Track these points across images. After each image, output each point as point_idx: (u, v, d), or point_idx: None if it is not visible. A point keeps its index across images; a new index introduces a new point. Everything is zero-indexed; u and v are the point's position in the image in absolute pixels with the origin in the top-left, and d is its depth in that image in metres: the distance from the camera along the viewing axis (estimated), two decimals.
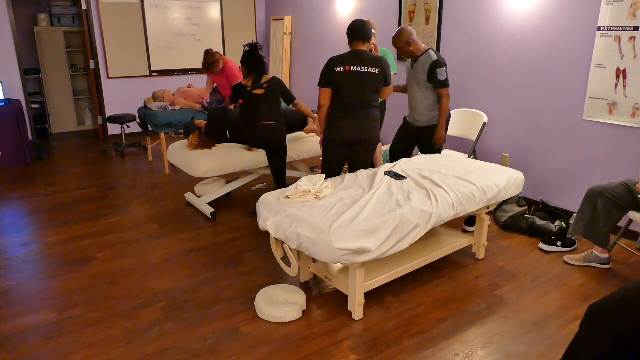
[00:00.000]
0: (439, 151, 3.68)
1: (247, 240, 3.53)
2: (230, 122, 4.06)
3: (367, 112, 3.16)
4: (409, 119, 3.72)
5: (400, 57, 4.60)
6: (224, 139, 4.11)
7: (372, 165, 3.50)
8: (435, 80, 3.40)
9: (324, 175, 2.85)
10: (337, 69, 3.07)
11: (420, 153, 3.78)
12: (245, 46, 3.65)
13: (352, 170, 3.29)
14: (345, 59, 3.08)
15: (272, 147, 3.79)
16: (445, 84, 3.41)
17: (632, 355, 1.58)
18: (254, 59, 3.63)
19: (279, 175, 3.91)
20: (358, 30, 3.09)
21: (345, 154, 3.28)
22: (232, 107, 4.11)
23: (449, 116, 3.62)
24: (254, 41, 3.72)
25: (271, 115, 3.71)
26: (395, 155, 3.79)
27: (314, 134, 4.21)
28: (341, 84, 3.08)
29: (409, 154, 3.77)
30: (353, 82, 3.07)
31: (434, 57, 3.41)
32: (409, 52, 3.48)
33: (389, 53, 3.98)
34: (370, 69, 3.07)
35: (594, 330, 1.62)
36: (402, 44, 3.45)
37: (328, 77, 3.11)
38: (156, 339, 2.37)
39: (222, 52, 7.46)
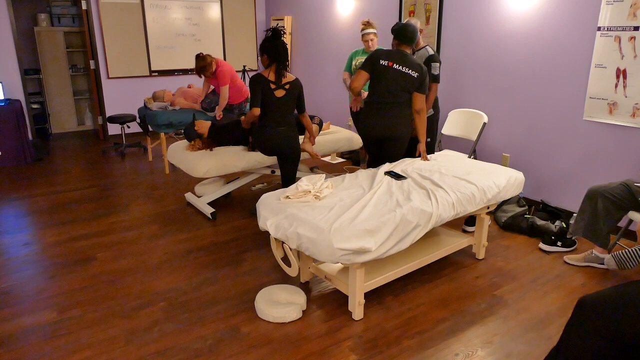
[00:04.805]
0: (431, 146, 3.73)
1: (247, 240, 3.53)
2: (234, 140, 4.07)
3: (396, 110, 3.26)
4: None
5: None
6: (226, 145, 4.11)
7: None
8: (429, 73, 3.48)
9: (324, 175, 2.86)
10: (382, 62, 3.20)
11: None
12: (267, 30, 3.26)
13: (383, 162, 3.33)
14: (392, 55, 3.22)
15: (284, 154, 3.57)
16: (437, 79, 3.54)
17: (619, 354, 1.56)
18: (276, 45, 3.23)
19: (289, 178, 3.67)
20: (410, 35, 3.22)
21: (376, 147, 3.43)
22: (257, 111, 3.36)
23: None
24: (280, 26, 3.29)
25: (284, 121, 3.44)
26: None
27: (307, 153, 3.83)
28: (380, 76, 3.22)
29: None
30: (391, 78, 3.19)
31: (431, 51, 3.59)
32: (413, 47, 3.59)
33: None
34: (409, 71, 3.18)
35: (583, 324, 1.59)
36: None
37: (371, 64, 3.23)
38: (156, 339, 2.37)
39: (222, 52, 7.49)
